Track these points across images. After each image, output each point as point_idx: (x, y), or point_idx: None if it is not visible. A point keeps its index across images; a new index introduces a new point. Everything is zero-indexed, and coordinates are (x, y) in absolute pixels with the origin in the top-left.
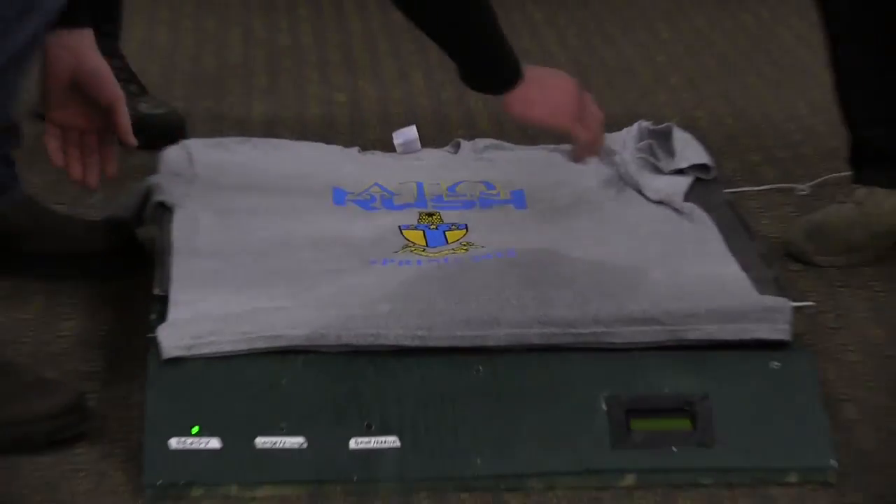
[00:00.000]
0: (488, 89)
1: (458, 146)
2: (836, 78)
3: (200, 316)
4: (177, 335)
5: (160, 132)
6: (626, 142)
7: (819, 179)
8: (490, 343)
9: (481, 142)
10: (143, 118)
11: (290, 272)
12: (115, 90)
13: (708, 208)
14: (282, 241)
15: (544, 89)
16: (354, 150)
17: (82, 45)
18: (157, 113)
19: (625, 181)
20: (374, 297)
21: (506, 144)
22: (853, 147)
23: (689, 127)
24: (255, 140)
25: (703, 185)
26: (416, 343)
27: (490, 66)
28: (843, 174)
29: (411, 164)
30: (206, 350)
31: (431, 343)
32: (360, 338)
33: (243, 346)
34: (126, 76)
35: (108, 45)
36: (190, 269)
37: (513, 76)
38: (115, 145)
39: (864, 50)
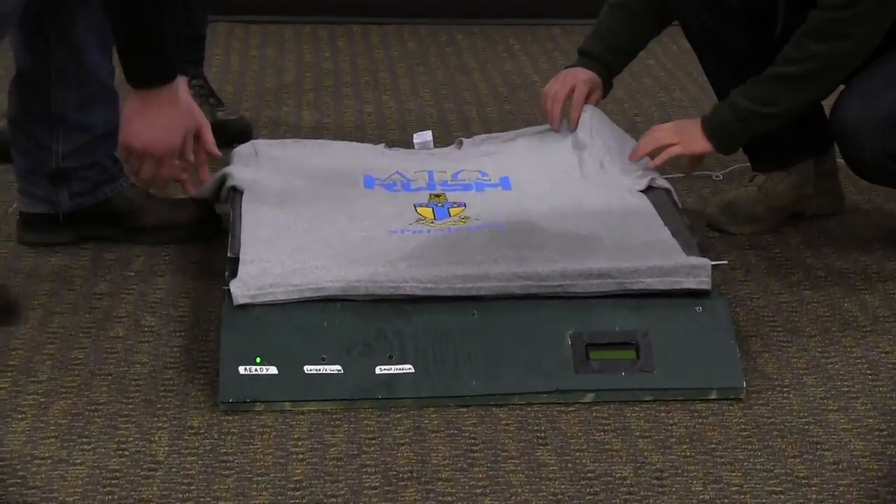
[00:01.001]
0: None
1: (461, 144)
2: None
3: (262, 273)
4: (245, 287)
5: (233, 134)
6: (591, 132)
7: (729, 168)
8: (483, 293)
9: (479, 137)
10: (219, 123)
11: (330, 239)
12: (203, 118)
13: (649, 192)
14: (324, 216)
15: (154, 114)
16: (381, 146)
17: (182, 90)
18: (230, 119)
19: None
20: (394, 257)
21: (498, 134)
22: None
23: (630, 129)
24: (304, 140)
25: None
26: (426, 293)
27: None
28: (747, 164)
29: (424, 157)
30: (266, 299)
31: (438, 293)
32: (384, 289)
33: (295, 296)
34: (207, 92)
35: (197, 70)
36: (255, 237)
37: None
38: (204, 156)
39: (719, 62)
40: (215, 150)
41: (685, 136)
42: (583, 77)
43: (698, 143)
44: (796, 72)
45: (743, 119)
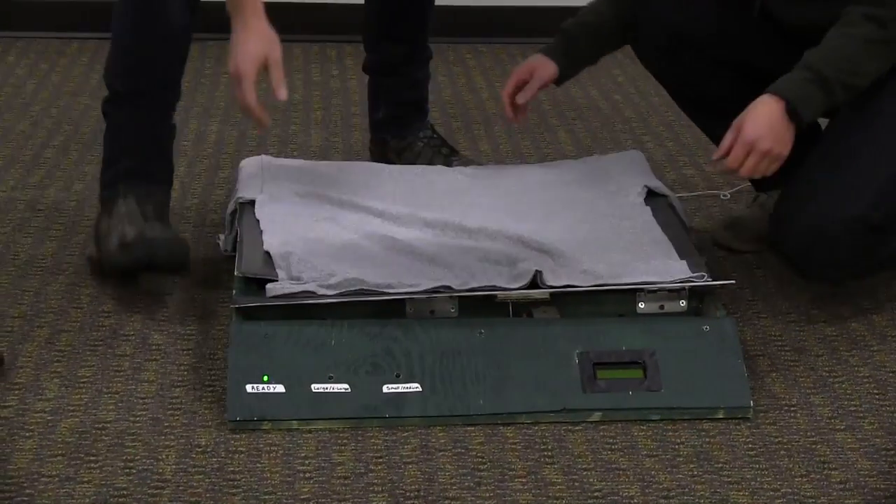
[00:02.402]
0: None
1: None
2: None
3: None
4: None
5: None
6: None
7: (737, 188)
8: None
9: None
10: None
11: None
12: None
13: (654, 210)
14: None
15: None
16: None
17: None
18: None
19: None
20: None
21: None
22: None
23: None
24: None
25: (652, 194)
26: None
27: None
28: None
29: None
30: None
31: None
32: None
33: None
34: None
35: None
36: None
37: None
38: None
39: (698, 108)
40: (280, 90)
41: (769, 145)
42: (534, 68)
43: (787, 138)
44: (886, 35)
45: (831, 91)
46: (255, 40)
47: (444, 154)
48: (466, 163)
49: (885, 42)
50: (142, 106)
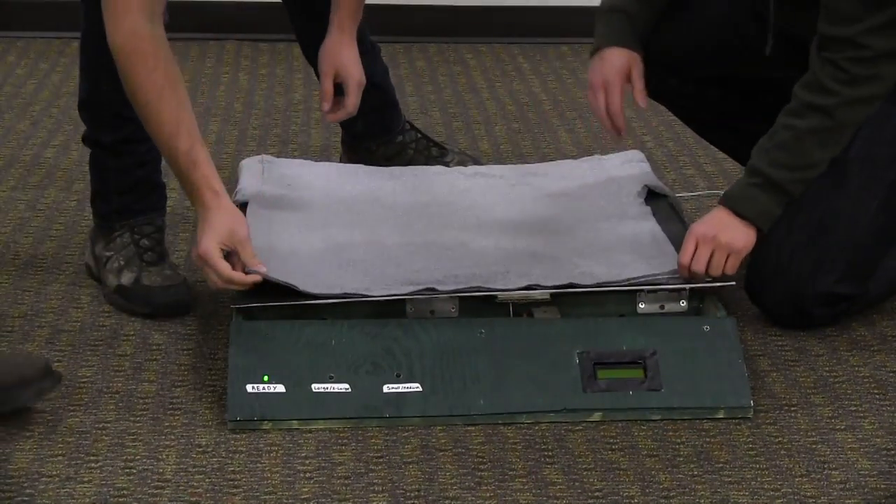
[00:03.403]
0: None
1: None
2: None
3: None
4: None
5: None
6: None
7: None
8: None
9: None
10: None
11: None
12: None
13: (654, 210)
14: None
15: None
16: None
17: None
18: None
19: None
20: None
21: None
22: None
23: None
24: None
25: (653, 195)
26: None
27: None
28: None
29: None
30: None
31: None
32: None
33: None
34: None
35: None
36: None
37: None
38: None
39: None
40: (258, 267)
41: (728, 243)
42: (617, 66)
43: (746, 237)
44: (831, 123)
45: (788, 192)
46: (220, 217)
47: (435, 155)
48: (461, 158)
49: (834, 129)
50: (125, 152)
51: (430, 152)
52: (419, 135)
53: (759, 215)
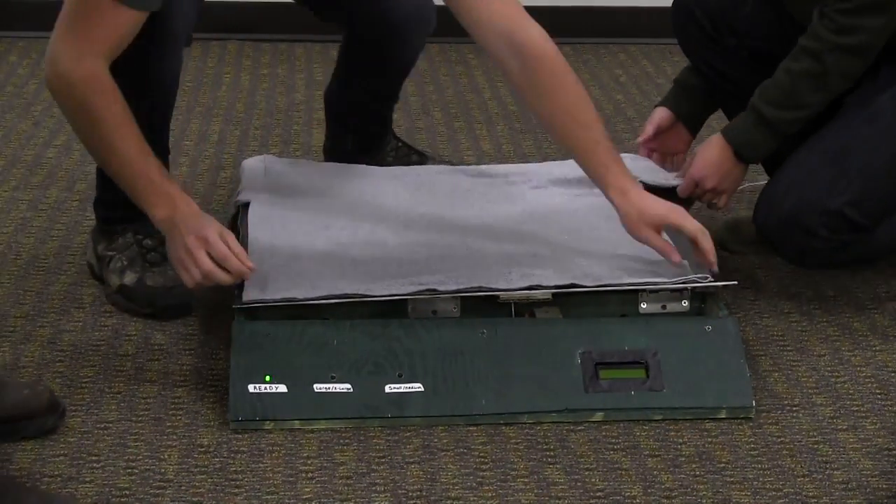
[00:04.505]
0: None
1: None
2: None
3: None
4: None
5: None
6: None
7: (740, 187)
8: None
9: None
10: None
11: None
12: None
13: None
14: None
15: None
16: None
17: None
18: None
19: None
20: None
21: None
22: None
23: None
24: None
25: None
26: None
27: None
28: (759, 183)
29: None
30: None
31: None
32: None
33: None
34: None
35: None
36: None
37: None
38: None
39: (731, 102)
40: (248, 262)
41: (718, 182)
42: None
43: (736, 175)
44: (820, 68)
45: (779, 130)
46: (208, 217)
47: (415, 162)
48: (442, 164)
49: (821, 74)
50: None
51: (409, 160)
52: (400, 143)
53: (745, 145)
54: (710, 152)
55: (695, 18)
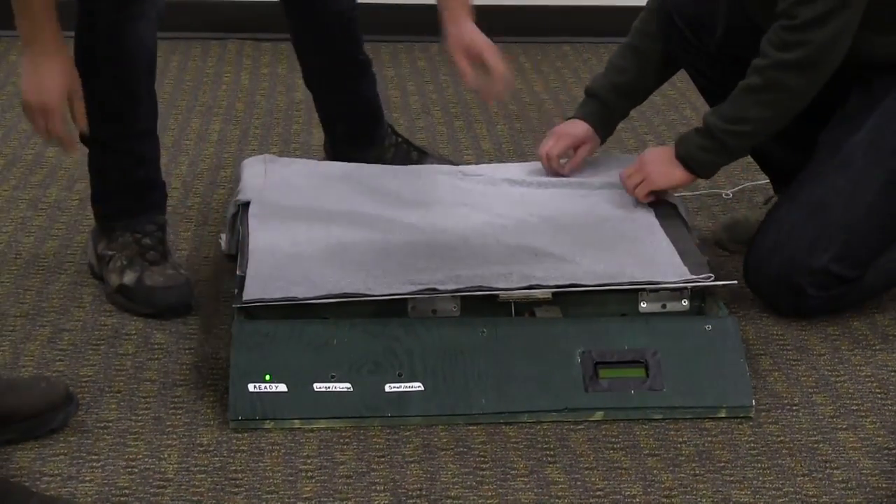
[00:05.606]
0: None
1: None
2: None
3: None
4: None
5: None
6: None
7: (739, 186)
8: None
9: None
10: None
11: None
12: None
13: (656, 209)
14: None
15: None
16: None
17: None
18: None
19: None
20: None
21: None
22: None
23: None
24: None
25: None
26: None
27: None
28: (756, 182)
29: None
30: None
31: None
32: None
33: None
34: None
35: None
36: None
37: None
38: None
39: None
40: (82, 122)
41: (651, 171)
42: (574, 132)
43: (669, 175)
44: (761, 83)
45: (720, 141)
46: (60, 70)
47: (414, 159)
48: (441, 163)
49: (763, 89)
50: (124, 151)
51: (409, 157)
52: (400, 139)
53: (686, 155)
54: (663, 149)
55: (675, 25)
